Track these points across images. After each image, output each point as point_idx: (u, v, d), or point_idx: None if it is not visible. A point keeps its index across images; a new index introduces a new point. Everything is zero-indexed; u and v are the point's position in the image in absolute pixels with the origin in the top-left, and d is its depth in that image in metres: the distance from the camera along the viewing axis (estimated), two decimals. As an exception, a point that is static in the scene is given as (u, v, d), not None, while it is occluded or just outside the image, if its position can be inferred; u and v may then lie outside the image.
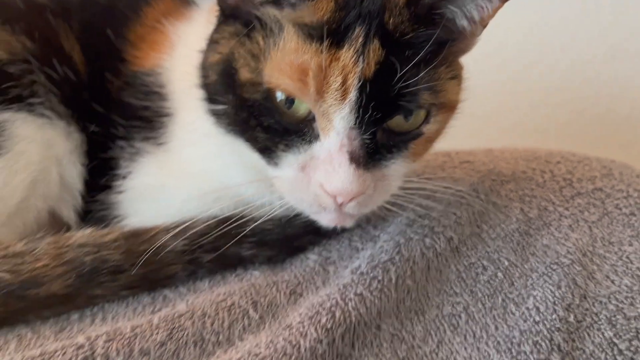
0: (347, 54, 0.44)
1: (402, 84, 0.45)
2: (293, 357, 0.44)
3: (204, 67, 0.51)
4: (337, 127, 0.45)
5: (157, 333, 0.45)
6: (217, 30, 0.51)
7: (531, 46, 1.53)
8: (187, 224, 0.52)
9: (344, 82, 0.44)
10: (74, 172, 0.58)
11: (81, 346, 0.43)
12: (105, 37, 0.62)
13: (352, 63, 0.44)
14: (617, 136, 1.57)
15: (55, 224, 0.59)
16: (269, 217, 0.54)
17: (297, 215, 0.55)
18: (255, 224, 0.53)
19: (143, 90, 0.59)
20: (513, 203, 0.63)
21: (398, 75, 0.44)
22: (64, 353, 0.43)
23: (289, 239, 0.55)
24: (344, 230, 0.57)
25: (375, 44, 0.44)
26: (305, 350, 0.45)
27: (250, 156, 0.51)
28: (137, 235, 0.52)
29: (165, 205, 0.57)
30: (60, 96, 0.57)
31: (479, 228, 0.59)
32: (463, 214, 0.59)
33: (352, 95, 0.44)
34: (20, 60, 0.56)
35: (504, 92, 1.59)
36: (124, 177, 0.58)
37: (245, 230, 0.53)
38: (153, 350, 0.44)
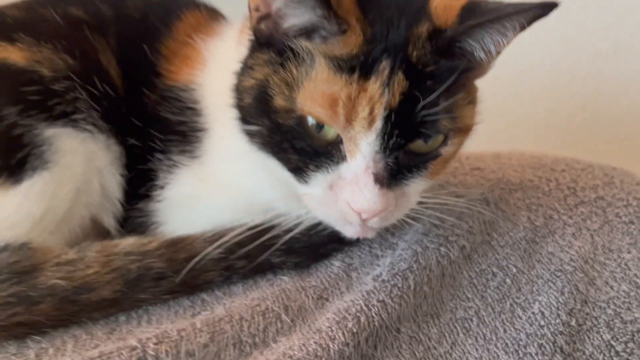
0: (374, 86, 0.48)
1: (424, 112, 0.49)
2: (323, 358, 0.49)
3: (239, 90, 0.55)
4: (363, 151, 0.49)
5: (201, 336, 0.50)
6: (251, 56, 0.55)
7: (535, 42, 1.56)
8: (224, 236, 0.56)
9: (371, 112, 0.48)
10: (114, 182, 0.62)
11: (134, 348, 0.48)
12: (140, 51, 0.66)
13: (378, 94, 0.48)
14: (617, 130, 1.61)
15: (97, 229, 0.63)
16: (296, 227, 0.58)
17: (322, 225, 0.59)
18: (287, 235, 0.57)
19: (178, 105, 0.62)
20: (521, 211, 0.68)
21: (420, 105, 0.49)
22: (120, 355, 0.48)
23: (314, 246, 0.60)
24: (365, 238, 0.61)
25: (399, 76, 0.48)
26: (334, 352, 0.50)
27: (280, 173, 0.55)
28: (177, 244, 0.57)
29: (200, 214, 0.62)
30: (101, 111, 0.61)
31: (489, 236, 0.64)
32: (475, 223, 0.64)
33: (378, 123, 0.48)
34: (63, 78, 0.59)
35: (507, 87, 1.63)
36: (162, 187, 0.62)
37: (276, 240, 0.58)
38: (197, 352, 0.49)
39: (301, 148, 0.51)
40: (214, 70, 0.63)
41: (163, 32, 0.68)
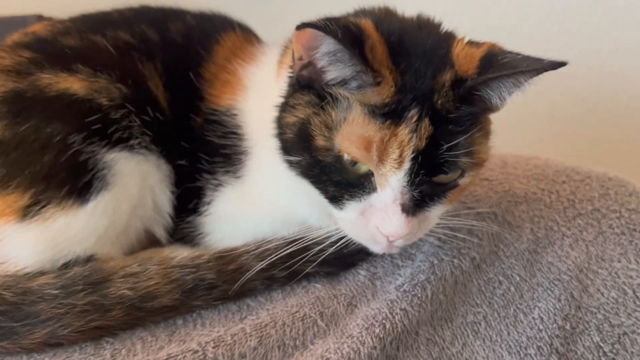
0: (404, 132, 0.55)
1: (446, 153, 0.56)
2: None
3: (281, 124, 0.62)
4: (392, 185, 0.57)
5: (251, 340, 0.59)
6: (292, 95, 0.61)
7: (539, 37, 1.62)
8: (265, 248, 0.64)
9: (400, 154, 0.55)
10: (164, 198, 0.70)
11: (196, 351, 0.57)
12: (185, 76, 0.73)
13: (407, 139, 0.55)
14: (615, 121, 1.68)
15: (149, 239, 0.71)
16: (327, 240, 0.66)
17: (349, 241, 0.67)
18: (319, 247, 0.65)
19: (222, 130, 0.69)
20: (525, 223, 0.76)
21: (443, 147, 0.56)
22: (184, 357, 0.56)
23: (343, 257, 0.68)
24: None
25: (426, 122, 0.55)
26: (364, 355, 0.58)
27: (316, 196, 0.63)
28: (225, 257, 0.65)
29: (242, 227, 0.70)
30: (152, 135, 0.68)
31: (496, 247, 0.72)
32: (484, 236, 0.72)
33: (407, 164, 0.56)
34: (119, 107, 0.66)
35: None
36: (209, 203, 0.70)
37: (310, 251, 0.66)
38: (248, 354, 0.58)
39: (337, 180, 0.59)
40: (254, 98, 0.70)
41: (204, 56, 0.75)
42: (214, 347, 0.58)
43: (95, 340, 0.60)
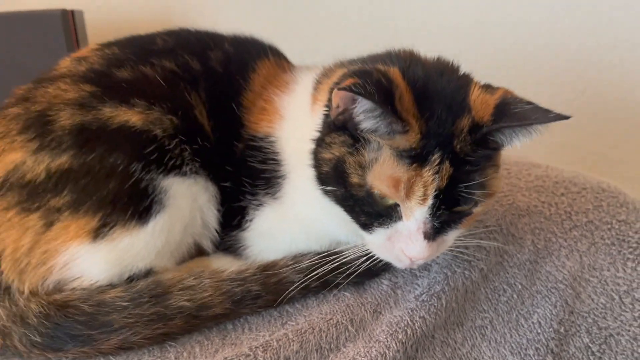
0: (427, 173, 0.64)
1: (463, 190, 0.65)
2: (382, 362, 0.69)
3: (317, 159, 0.71)
4: (416, 216, 0.66)
5: (293, 344, 0.69)
6: (328, 134, 0.69)
7: (543, 33, 1.69)
8: (303, 263, 0.74)
9: (424, 192, 0.64)
10: (211, 216, 0.79)
11: (248, 355, 0.67)
12: (226, 104, 0.81)
13: (430, 180, 0.64)
14: (612, 112, 1.77)
15: (197, 250, 0.81)
16: (355, 254, 0.76)
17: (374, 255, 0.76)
18: (347, 259, 0.75)
19: (262, 156, 0.78)
20: (526, 235, 0.85)
21: (462, 186, 0.65)
22: (239, 359, 0.67)
23: (369, 268, 0.78)
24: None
25: (446, 165, 0.64)
26: (389, 357, 0.69)
27: (347, 217, 0.72)
28: (267, 270, 0.75)
29: (279, 242, 0.79)
30: (200, 161, 0.77)
31: (501, 258, 0.82)
32: (491, 248, 0.82)
33: (430, 200, 0.65)
34: (172, 137, 0.74)
35: (516, 71, 1.76)
36: (250, 220, 0.79)
37: (339, 264, 0.75)
38: (292, 356, 0.69)
39: (368, 211, 0.68)
40: (290, 127, 0.78)
41: (242, 85, 0.82)
42: (262, 351, 0.68)
43: (160, 344, 0.70)
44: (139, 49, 0.83)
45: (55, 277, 0.70)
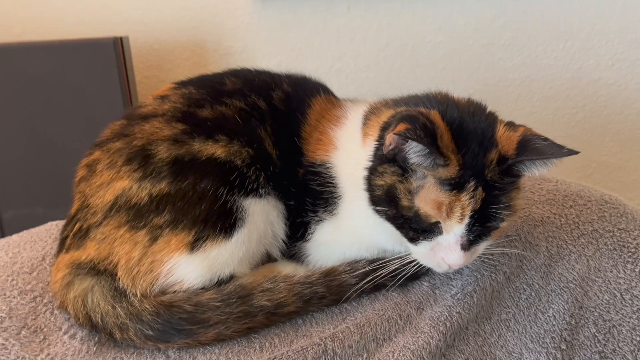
0: (465, 198, 0.80)
1: (494, 210, 0.81)
2: (427, 349, 0.84)
3: (371, 184, 0.86)
4: (455, 232, 0.82)
5: (354, 335, 0.85)
6: (380, 165, 0.84)
7: (548, 54, 1.85)
8: (359, 269, 0.90)
9: (462, 213, 0.80)
10: (280, 229, 0.95)
11: (319, 344, 0.83)
12: (288, 136, 0.96)
13: (467, 203, 0.80)
14: (610, 125, 1.93)
15: (267, 259, 0.97)
16: (400, 260, 0.92)
17: (415, 261, 0.92)
18: (394, 265, 0.91)
19: (320, 180, 0.94)
20: (541, 242, 1.01)
21: (492, 207, 0.81)
22: (312, 348, 0.83)
23: (412, 273, 0.93)
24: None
25: (480, 190, 0.80)
26: (433, 345, 0.85)
27: (394, 232, 0.88)
28: (329, 275, 0.90)
29: (335, 251, 0.95)
30: (272, 184, 0.93)
31: (521, 262, 0.98)
32: (512, 254, 0.97)
33: (466, 220, 0.80)
34: (249, 165, 0.90)
35: (522, 88, 1.92)
36: (312, 233, 0.95)
37: (388, 269, 0.91)
38: (354, 345, 0.84)
39: (415, 228, 0.83)
40: (344, 156, 0.94)
41: (301, 119, 0.98)
42: (330, 341, 0.84)
43: (246, 336, 0.86)
44: (212, 90, 0.99)
45: (160, 282, 0.86)
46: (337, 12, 1.93)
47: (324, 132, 0.98)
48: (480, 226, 0.82)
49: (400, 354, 0.83)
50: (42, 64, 1.67)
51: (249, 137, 0.92)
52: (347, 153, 0.94)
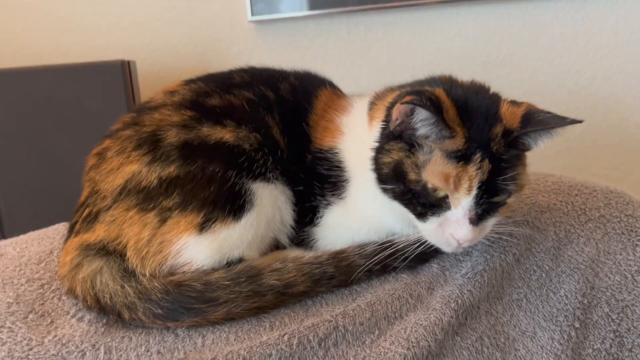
0: (472, 169, 0.81)
1: (500, 182, 0.82)
2: (440, 325, 0.83)
3: (378, 163, 0.87)
4: (463, 205, 0.82)
5: (365, 312, 0.84)
6: (387, 143, 0.86)
7: (545, 69, 1.89)
8: (368, 250, 0.90)
9: (470, 184, 0.81)
10: (288, 214, 0.95)
11: (330, 321, 0.82)
12: (295, 125, 0.98)
13: (474, 174, 0.80)
14: (607, 139, 1.96)
15: (275, 245, 0.97)
16: (408, 242, 0.92)
17: (424, 242, 0.92)
18: (403, 246, 0.91)
19: (328, 164, 0.95)
20: (549, 227, 1.01)
21: (499, 179, 0.81)
22: (323, 324, 0.82)
23: (421, 255, 0.93)
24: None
25: (486, 162, 0.81)
26: (445, 322, 0.84)
27: (401, 211, 0.88)
28: (339, 255, 0.90)
29: (344, 235, 0.95)
30: (279, 169, 0.94)
31: (529, 245, 0.98)
32: (520, 237, 0.97)
33: (474, 191, 0.81)
34: (258, 149, 0.92)
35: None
36: (320, 217, 0.95)
37: (396, 251, 0.91)
38: (365, 322, 0.83)
39: (423, 202, 0.84)
40: (351, 141, 0.96)
41: (308, 108, 1.00)
42: (342, 318, 0.83)
43: (255, 316, 0.85)
44: (221, 83, 1.02)
45: (169, 262, 0.86)
46: (337, 36, 1.99)
47: (331, 120, 1.00)
48: (488, 198, 0.83)
49: (413, 330, 0.82)
50: (54, 86, 1.73)
51: (256, 124, 0.94)
52: (354, 138, 0.96)
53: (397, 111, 0.82)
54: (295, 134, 0.98)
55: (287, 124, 0.98)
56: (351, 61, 2.00)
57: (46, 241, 1.06)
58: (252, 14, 1.96)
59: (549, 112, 0.83)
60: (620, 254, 0.98)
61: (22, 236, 1.11)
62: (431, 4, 1.88)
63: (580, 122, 0.80)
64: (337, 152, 0.96)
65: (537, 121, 0.81)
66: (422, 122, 0.81)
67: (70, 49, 2.06)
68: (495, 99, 0.88)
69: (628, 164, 1.92)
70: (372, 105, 0.97)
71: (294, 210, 0.96)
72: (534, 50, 1.88)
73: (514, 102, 0.87)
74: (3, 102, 1.72)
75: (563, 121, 0.80)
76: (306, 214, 0.96)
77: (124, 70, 1.74)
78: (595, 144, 1.96)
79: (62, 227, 1.12)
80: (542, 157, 1.92)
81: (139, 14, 2.06)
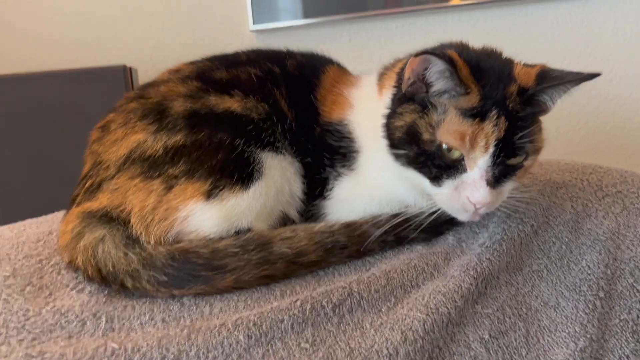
0: (488, 126, 0.78)
1: (517, 141, 0.80)
2: (459, 292, 0.79)
3: (390, 128, 0.85)
4: (480, 165, 0.79)
5: (380, 280, 0.80)
6: (399, 105, 0.84)
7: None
8: (380, 221, 0.87)
9: (486, 142, 0.78)
10: (297, 187, 0.92)
11: (344, 287, 0.78)
12: (304, 98, 0.96)
13: (491, 131, 0.78)
14: (610, 141, 1.94)
15: (284, 220, 0.93)
16: (422, 214, 0.88)
17: (439, 213, 0.88)
18: (417, 219, 0.88)
19: (338, 135, 0.92)
20: (566, 202, 0.98)
21: (516, 137, 0.79)
22: (338, 290, 0.78)
23: (436, 226, 0.89)
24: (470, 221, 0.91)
25: (502, 119, 0.78)
26: (464, 289, 0.80)
27: (416, 180, 0.85)
28: (351, 226, 0.86)
29: (356, 207, 0.92)
30: (288, 140, 0.91)
31: (547, 218, 0.94)
32: (537, 209, 0.94)
33: (491, 149, 0.78)
34: (265, 119, 0.89)
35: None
36: (330, 189, 0.92)
37: (410, 222, 0.87)
38: (380, 289, 0.79)
39: (438, 164, 0.81)
40: (360, 111, 0.94)
41: (315, 83, 0.99)
42: (356, 285, 0.79)
43: (265, 285, 0.81)
44: (227, 61, 1.00)
45: (175, 229, 0.82)
46: (339, 43, 2.00)
47: (339, 94, 0.98)
48: (506, 158, 0.80)
49: (431, 297, 0.78)
50: (56, 91, 1.72)
51: (264, 95, 0.92)
52: (364, 109, 0.94)
53: (410, 68, 0.81)
54: (303, 108, 0.96)
55: (294, 98, 0.96)
56: (352, 68, 2.00)
57: (45, 225, 1.02)
58: (254, 23, 1.97)
59: (563, 70, 0.82)
60: (641, 227, 0.95)
61: (19, 222, 1.07)
62: (432, 10, 1.90)
63: (597, 75, 0.79)
64: (346, 124, 0.94)
65: (553, 77, 0.80)
66: (438, 74, 0.79)
67: (75, 58, 2.06)
68: (508, 61, 0.86)
69: (632, 167, 1.90)
70: (382, 75, 0.95)
71: (304, 183, 0.93)
72: (535, 54, 1.87)
73: (527, 64, 0.85)
74: (5, 107, 1.71)
75: (579, 76, 0.79)
76: (316, 187, 0.93)
77: (125, 76, 1.73)
78: (598, 147, 1.95)
79: (61, 214, 1.08)
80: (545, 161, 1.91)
81: (143, 24, 2.08)
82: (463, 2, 1.87)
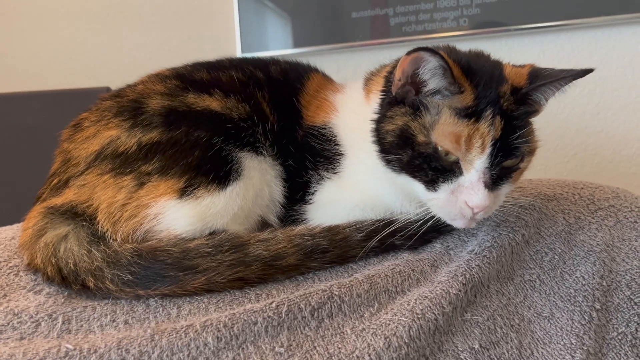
0: (483, 126, 0.75)
1: (513, 141, 0.76)
2: (447, 299, 0.74)
3: (380, 133, 0.81)
4: (477, 167, 0.76)
5: (363, 284, 0.75)
6: (389, 109, 0.81)
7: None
8: (366, 225, 0.82)
9: (483, 142, 0.75)
10: (277, 190, 0.88)
11: (325, 290, 0.73)
12: (287, 102, 0.93)
13: (487, 131, 0.75)
14: (601, 172, 1.92)
15: (263, 226, 0.88)
16: (409, 221, 0.84)
17: (426, 220, 0.84)
18: (401, 224, 0.83)
19: (322, 138, 0.89)
20: (557, 214, 0.94)
21: (512, 137, 0.76)
22: (317, 294, 0.72)
23: (422, 234, 0.85)
24: (457, 229, 0.87)
25: (498, 118, 0.75)
26: (452, 295, 0.74)
27: (405, 185, 0.81)
28: (333, 229, 0.82)
29: (339, 212, 0.87)
30: (269, 141, 0.87)
31: (538, 229, 0.90)
32: (529, 219, 0.90)
33: (488, 149, 0.75)
34: (245, 119, 0.86)
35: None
36: (312, 194, 0.88)
37: (396, 229, 0.83)
38: (362, 294, 0.74)
39: (435, 167, 0.77)
40: (346, 116, 0.90)
41: (299, 88, 0.96)
42: (337, 288, 0.73)
43: (239, 289, 0.75)
44: (209, 66, 0.98)
45: (145, 227, 0.77)
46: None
47: (324, 99, 0.95)
48: (502, 159, 0.76)
49: (417, 303, 0.73)
50: (39, 112, 1.69)
51: (245, 96, 0.89)
52: (349, 114, 0.91)
53: (401, 68, 0.78)
54: (286, 111, 0.93)
55: (277, 101, 0.93)
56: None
57: (9, 231, 0.96)
58: (242, 51, 1.97)
59: (554, 68, 0.80)
60: (636, 240, 0.91)
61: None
62: (418, 41, 1.91)
63: (590, 71, 0.76)
64: (331, 127, 0.90)
65: (545, 75, 0.78)
66: (432, 72, 0.76)
67: (62, 79, 2.04)
68: (497, 62, 0.84)
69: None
70: (368, 80, 0.93)
71: (285, 187, 0.88)
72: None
73: (516, 65, 0.83)
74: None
75: (572, 72, 0.76)
76: (297, 191, 0.89)
77: (109, 97, 1.71)
78: (588, 179, 1.92)
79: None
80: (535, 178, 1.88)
81: (131, 51, 2.07)
82: (449, 34, 1.88)
